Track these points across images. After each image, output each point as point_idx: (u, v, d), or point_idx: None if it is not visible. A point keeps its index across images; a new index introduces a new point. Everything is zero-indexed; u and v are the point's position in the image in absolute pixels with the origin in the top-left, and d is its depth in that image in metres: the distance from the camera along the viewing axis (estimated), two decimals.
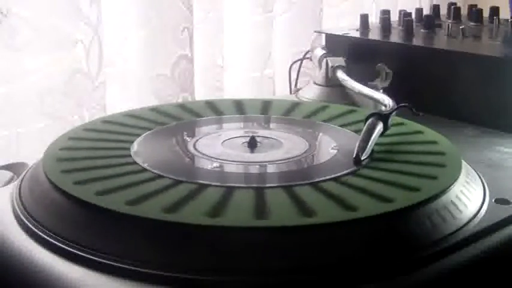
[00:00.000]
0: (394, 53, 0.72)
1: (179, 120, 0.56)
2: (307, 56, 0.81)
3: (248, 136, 0.50)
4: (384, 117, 0.49)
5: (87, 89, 0.76)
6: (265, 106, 0.60)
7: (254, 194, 0.40)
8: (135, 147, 0.48)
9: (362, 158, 0.45)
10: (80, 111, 0.75)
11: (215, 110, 0.59)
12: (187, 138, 0.51)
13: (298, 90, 0.77)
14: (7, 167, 0.50)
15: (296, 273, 0.34)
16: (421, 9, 0.86)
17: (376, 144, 0.48)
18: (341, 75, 0.69)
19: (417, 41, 0.73)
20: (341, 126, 0.55)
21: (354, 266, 0.35)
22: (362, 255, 0.36)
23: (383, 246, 0.37)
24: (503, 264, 0.41)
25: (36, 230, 0.39)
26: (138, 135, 0.51)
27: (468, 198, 0.42)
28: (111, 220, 0.37)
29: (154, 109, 0.59)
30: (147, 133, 0.52)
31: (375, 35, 0.77)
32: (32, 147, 0.69)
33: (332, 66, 0.70)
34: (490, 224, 0.41)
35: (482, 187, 0.45)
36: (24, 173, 0.47)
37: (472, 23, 0.83)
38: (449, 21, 0.84)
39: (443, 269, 0.37)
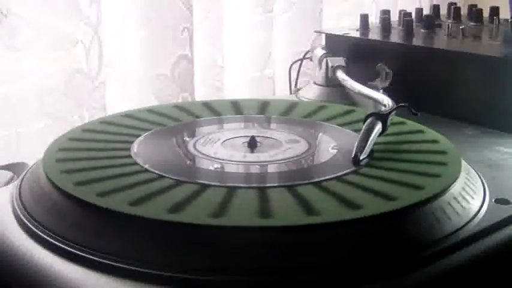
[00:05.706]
0: (394, 53, 0.72)
1: (178, 121, 0.56)
2: (307, 56, 0.81)
3: (248, 136, 0.50)
4: (383, 117, 0.49)
5: (87, 89, 0.76)
6: (264, 106, 0.60)
7: (257, 194, 0.40)
8: (135, 147, 0.48)
9: (361, 158, 0.45)
10: (80, 111, 0.75)
11: (214, 110, 0.59)
12: (188, 138, 0.51)
13: (298, 90, 0.77)
14: (7, 167, 0.50)
15: (297, 273, 0.34)
16: (421, 9, 0.86)
17: (377, 143, 0.48)
18: (341, 75, 0.69)
19: (417, 41, 0.73)
20: (341, 126, 0.55)
21: (356, 266, 0.35)
22: (365, 255, 0.36)
23: (385, 246, 0.37)
24: (503, 264, 0.41)
25: (36, 230, 0.39)
26: (138, 135, 0.51)
27: (468, 198, 0.42)
28: (113, 220, 0.37)
29: (152, 110, 0.59)
30: (147, 134, 0.52)
31: (374, 35, 0.77)
32: (32, 147, 0.69)
33: (332, 66, 0.70)
34: (490, 224, 0.41)
35: (482, 187, 0.45)
36: (24, 173, 0.47)
37: (472, 23, 0.83)
38: (449, 21, 0.84)
39: (443, 269, 0.37)
